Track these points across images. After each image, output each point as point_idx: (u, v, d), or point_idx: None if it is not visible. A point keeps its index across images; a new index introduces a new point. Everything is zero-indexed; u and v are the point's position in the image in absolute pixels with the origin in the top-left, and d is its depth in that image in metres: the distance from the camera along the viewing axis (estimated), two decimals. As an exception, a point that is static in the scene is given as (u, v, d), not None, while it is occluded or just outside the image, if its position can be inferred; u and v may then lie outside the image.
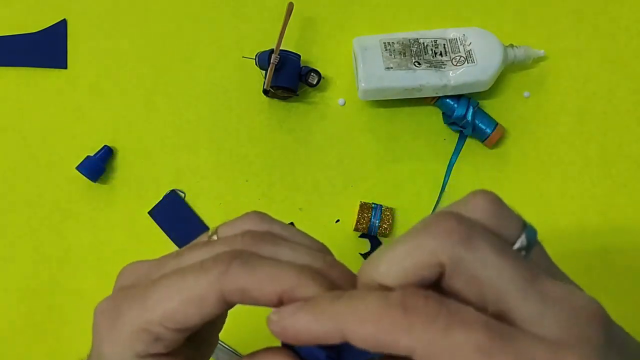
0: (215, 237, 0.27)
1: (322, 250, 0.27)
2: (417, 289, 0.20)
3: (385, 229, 0.59)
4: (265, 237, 0.25)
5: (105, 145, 0.61)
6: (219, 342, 0.59)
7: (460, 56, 0.60)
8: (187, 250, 0.25)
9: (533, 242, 0.23)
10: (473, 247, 0.20)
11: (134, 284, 0.25)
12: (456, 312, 0.19)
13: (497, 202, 0.23)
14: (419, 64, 0.59)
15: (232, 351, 0.58)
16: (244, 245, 0.24)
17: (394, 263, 0.21)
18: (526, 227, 0.23)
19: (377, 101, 0.63)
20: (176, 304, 0.23)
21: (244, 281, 0.22)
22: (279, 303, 0.23)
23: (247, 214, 0.27)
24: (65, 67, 0.64)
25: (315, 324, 0.21)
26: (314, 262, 0.24)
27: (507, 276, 0.20)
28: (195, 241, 0.27)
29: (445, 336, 0.19)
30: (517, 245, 0.22)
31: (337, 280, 0.24)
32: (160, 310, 0.23)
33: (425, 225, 0.21)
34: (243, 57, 0.63)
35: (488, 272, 0.20)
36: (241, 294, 0.23)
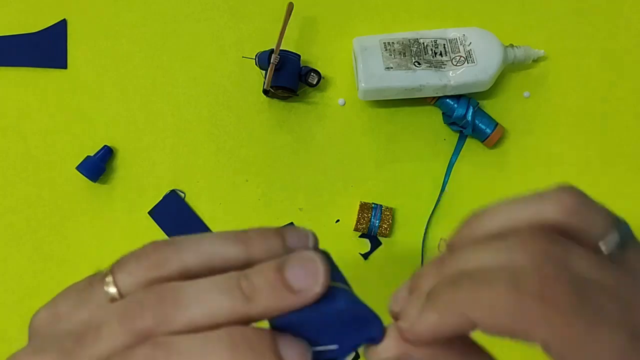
0: (113, 290, 0.23)
1: (235, 240, 0.23)
2: (555, 275, 0.19)
3: (385, 229, 0.59)
4: (169, 298, 0.21)
5: (105, 145, 0.61)
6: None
7: (460, 56, 0.60)
8: (92, 338, 0.22)
9: (627, 239, 0.22)
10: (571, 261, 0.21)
11: None
12: (599, 310, 0.19)
13: (583, 199, 0.22)
14: (419, 64, 0.59)
15: None
16: (146, 324, 0.21)
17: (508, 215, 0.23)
18: (619, 224, 0.22)
19: (377, 101, 0.63)
20: None
21: None
22: None
23: (144, 248, 0.23)
24: (65, 67, 0.64)
25: (443, 321, 0.20)
26: (231, 300, 0.21)
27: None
28: (85, 299, 0.24)
29: (588, 335, 0.18)
30: (607, 246, 0.22)
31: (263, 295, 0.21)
32: None
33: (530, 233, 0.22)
34: (243, 57, 0.63)
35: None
36: None
